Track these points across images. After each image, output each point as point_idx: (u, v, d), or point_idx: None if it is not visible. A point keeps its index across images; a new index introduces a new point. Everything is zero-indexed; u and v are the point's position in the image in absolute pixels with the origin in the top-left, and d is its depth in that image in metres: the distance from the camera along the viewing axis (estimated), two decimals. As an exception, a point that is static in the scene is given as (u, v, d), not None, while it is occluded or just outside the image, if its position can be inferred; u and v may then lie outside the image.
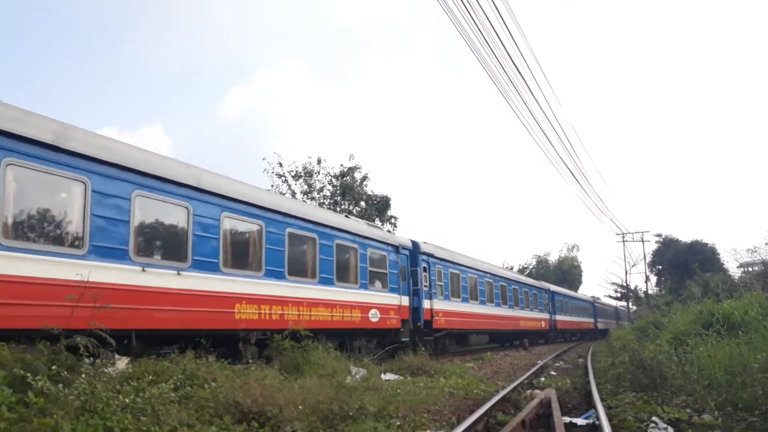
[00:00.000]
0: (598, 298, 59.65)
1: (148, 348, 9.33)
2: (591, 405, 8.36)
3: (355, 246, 15.07)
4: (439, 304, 19.50)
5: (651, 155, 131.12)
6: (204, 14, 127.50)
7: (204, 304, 10.06)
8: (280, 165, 31.75)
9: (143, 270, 9.00)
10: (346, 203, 31.81)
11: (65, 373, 5.65)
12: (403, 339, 17.09)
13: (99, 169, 8.59)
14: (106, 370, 6.18)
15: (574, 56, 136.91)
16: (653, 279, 53.90)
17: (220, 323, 10.38)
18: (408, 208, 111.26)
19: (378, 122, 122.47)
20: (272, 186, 30.94)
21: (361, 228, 15.85)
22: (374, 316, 15.47)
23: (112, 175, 8.81)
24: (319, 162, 32.43)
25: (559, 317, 36.44)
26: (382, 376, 10.99)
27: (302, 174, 32.08)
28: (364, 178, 32.72)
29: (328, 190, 32.44)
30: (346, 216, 15.92)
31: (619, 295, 64.36)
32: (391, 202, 32.68)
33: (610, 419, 6.76)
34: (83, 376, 5.35)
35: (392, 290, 16.67)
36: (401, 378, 11.28)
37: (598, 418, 6.87)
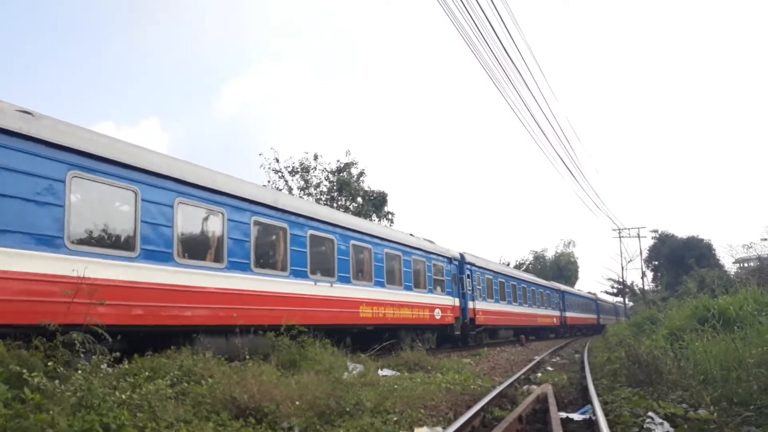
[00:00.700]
0: (594, 294, 60.25)
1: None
2: (587, 400, 8.39)
3: (423, 260, 19.12)
4: (479, 305, 23.44)
5: (647, 151, 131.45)
6: (200, 8, 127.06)
7: (343, 306, 14.01)
8: (277, 160, 31.72)
9: (315, 284, 13.05)
10: (343, 199, 31.79)
11: (62, 369, 5.63)
12: (456, 333, 21.06)
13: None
14: (102, 367, 6.16)
15: (571, 51, 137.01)
16: (649, 275, 54.19)
17: (350, 320, 14.32)
18: (405, 203, 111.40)
19: (374, 118, 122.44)
20: (269, 182, 30.91)
21: (427, 245, 19.98)
22: (437, 314, 19.40)
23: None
24: (315, 158, 32.40)
25: (568, 314, 40.44)
26: (379, 371, 11.00)
27: (299, 169, 32.04)
28: (361, 173, 32.71)
29: (325, 185, 32.41)
30: (412, 235, 19.77)
31: (615, 290, 64.60)
32: (388, 197, 32.68)
33: (606, 414, 6.79)
34: (79, 372, 5.34)
35: (448, 293, 20.65)
36: (398, 374, 11.31)
37: (594, 413, 6.89)
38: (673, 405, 7.39)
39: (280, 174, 31.66)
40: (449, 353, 18.83)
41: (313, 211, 13.72)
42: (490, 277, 25.61)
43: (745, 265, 29.94)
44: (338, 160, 32.84)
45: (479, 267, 24.29)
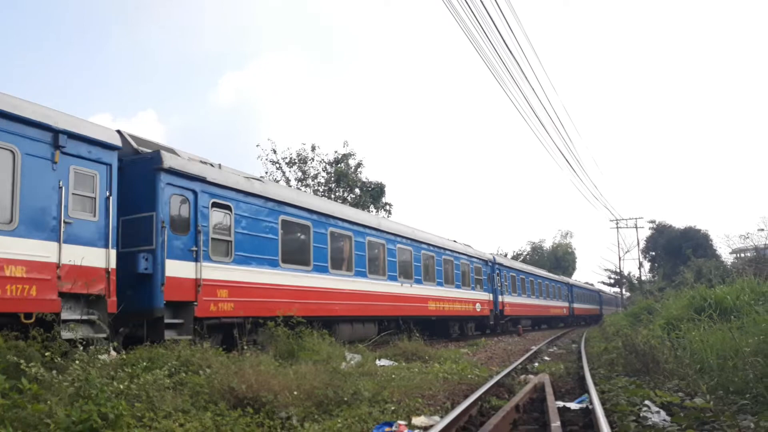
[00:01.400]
0: (591, 284, 60.57)
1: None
2: (584, 389, 8.41)
3: (468, 263, 23.92)
4: (507, 299, 27.85)
5: (645, 142, 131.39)
6: (198, 1, 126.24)
7: (418, 302, 18.69)
8: (274, 152, 31.61)
9: (401, 285, 17.70)
10: (341, 190, 31.73)
11: (59, 359, 5.64)
12: (491, 323, 26.07)
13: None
14: (100, 357, 6.17)
15: (570, 43, 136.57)
16: (647, 265, 54.23)
17: (422, 312, 19.12)
18: (402, 194, 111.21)
19: (372, 109, 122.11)
20: (266, 173, 30.84)
21: (470, 251, 24.81)
22: (478, 307, 24.08)
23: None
24: (313, 149, 32.29)
25: (575, 305, 45.27)
26: (377, 361, 11.03)
27: (296, 161, 31.95)
28: (359, 164, 32.62)
29: (323, 177, 32.34)
30: (454, 241, 23.92)
31: (612, 281, 64.74)
32: (385, 188, 32.62)
33: (603, 403, 6.81)
34: (77, 362, 5.35)
35: (485, 290, 25.42)
36: (396, 364, 11.33)
37: (591, 402, 6.91)
38: (670, 394, 7.41)
39: (277, 165, 31.60)
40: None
41: (400, 230, 18.59)
42: (514, 274, 30.05)
43: (742, 255, 29.98)
44: (336, 151, 32.75)
45: (506, 266, 29.08)
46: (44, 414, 4.37)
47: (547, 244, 76.14)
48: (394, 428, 5.73)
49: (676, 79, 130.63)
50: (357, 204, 29.90)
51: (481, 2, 11.92)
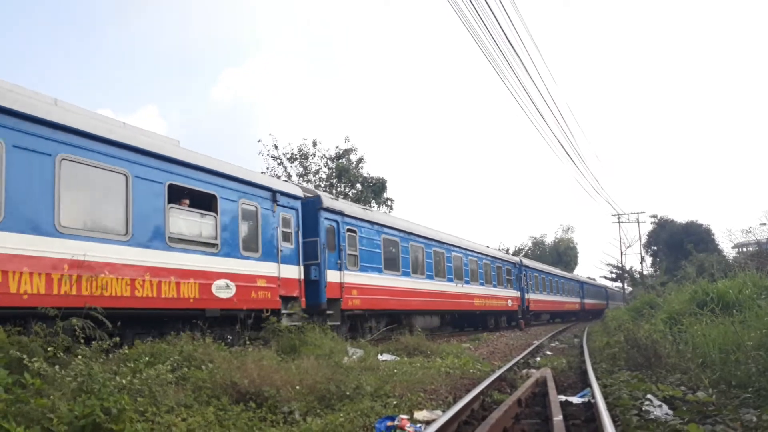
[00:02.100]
0: (594, 279, 60.74)
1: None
2: (586, 384, 8.42)
3: (501, 265, 28.24)
4: (531, 296, 32.03)
5: (647, 136, 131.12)
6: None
7: (467, 299, 22.71)
8: (275, 147, 31.62)
9: (456, 285, 22.00)
10: (342, 185, 31.73)
11: (62, 354, 5.64)
12: (519, 317, 29.58)
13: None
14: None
15: (571, 37, 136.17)
16: (648, 260, 54.16)
17: (470, 307, 23.30)
18: (404, 189, 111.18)
19: (374, 104, 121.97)
20: (267, 168, 30.85)
21: (503, 255, 31.21)
22: (510, 303, 28.25)
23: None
24: (314, 144, 32.29)
25: (586, 300, 49.36)
26: (379, 356, 11.04)
27: (297, 156, 31.95)
28: (360, 160, 32.60)
29: (324, 172, 32.35)
30: (487, 247, 29.12)
31: (614, 276, 64.73)
32: (387, 184, 32.62)
33: (605, 397, 6.81)
34: (80, 357, 5.35)
35: (515, 288, 29.63)
36: (398, 358, 11.34)
37: (593, 396, 6.92)
38: (672, 388, 7.41)
39: (278, 161, 31.60)
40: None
41: (453, 240, 22.62)
42: (536, 275, 34.50)
43: (744, 249, 29.95)
44: (337, 147, 32.74)
45: (530, 268, 33.41)
46: (47, 409, 4.37)
47: (549, 239, 76.19)
48: (396, 422, 5.73)
49: (678, 73, 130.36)
50: (358, 199, 29.90)
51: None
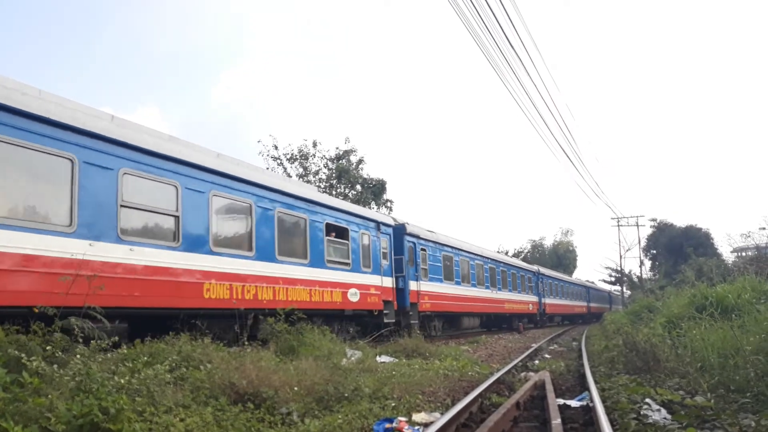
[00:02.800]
0: (593, 283, 60.86)
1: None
2: (585, 387, 8.41)
3: (524, 274, 33.08)
4: (547, 300, 37.00)
5: (647, 139, 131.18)
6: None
7: (498, 302, 26.80)
8: (276, 147, 31.62)
9: (491, 291, 26.76)
10: (342, 186, 31.72)
11: (60, 353, 5.63)
12: (537, 318, 35.08)
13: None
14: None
15: (572, 41, 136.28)
16: (647, 263, 54.20)
17: (501, 311, 27.64)
18: (404, 191, 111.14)
19: (374, 105, 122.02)
20: (267, 168, 30.84)
21: (524, 265, 35.85)
22: (531, 307, 33.36)
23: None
24: (314, 145, 32.29)
25: (592, 304, 53.38)
26: (378, 358, 11.04)
27: (297, 157, 31.94)
28: (360, 161, 32.61)
29: (324, 173, 32.34)
30: (512, 257, 36.65)
31: (613, 279, 64.73)
32: (386, 185, 32.62)
33: (603, 401, 6.80)
34: (78, 356, 5.34)
35: (534, 294, 34.64)
36: (396, 360, 11.34)
37: (591, 399, 6.91)
38: (671, 392, 7.40)
39: (278, 161, 31.59)
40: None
41: (490, 253, 28.48)
42: (551, 281, 39.46)
43: (743, 254, 29.94)
44: (337, 148, 32.75)
45: (547, 275, 38.55)
46: (45, 408, 4.36)
47: (548, 242, 76.17)
48: (394, 424, 5.73)
49: (678, 77, 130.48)
50: (358, 200, 29.92)
51: (484, -1, 11.91)
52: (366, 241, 15.76)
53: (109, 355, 6.33)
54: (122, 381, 5.14)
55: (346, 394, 6.70)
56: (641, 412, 6.29)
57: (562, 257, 72.12)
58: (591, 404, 6.77)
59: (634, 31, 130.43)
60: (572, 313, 46.02)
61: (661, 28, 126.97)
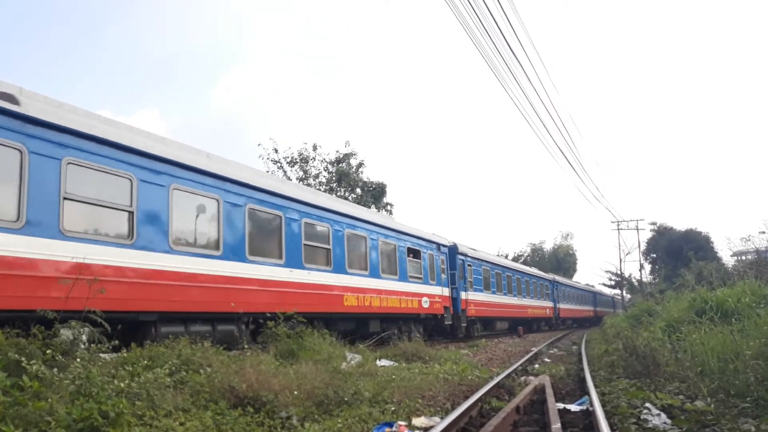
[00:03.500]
0: (592, 286, 60.96)
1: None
2: (585, 391, 8.41)
3: (543, 282, 37.45)
4: (561, 305, 41.24)
5: (647, 143, 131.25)
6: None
7: (524, 308, 31.88)
8: (276, 151, 31.65)
9: (518, 298, 31.27)
10: (342, 190, 31.74)
11: (60, 357, 5.63)
12: (553, 322, 38.93)
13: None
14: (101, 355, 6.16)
15: (572, 44, 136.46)
16: (647, 267, 54.15)
17: (525, 315, 32.03)
18: (404, 193, 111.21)
19: (374, 108, 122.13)
20: (267, 172, 30.87)
21: (542, 274, 39.43)
22: (547, 312, 37.24)
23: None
24: (314, 148, 32.32)
25: (597, 308, 57.16)
26: (377, 362, 11.02)
27: (298, 160, 31.97)
28: (360, 164, 32.64)
29: (324, 176, 32.36)
30: (531, 267, 40.95)
31: (613, 283, 64.68)
32: (386, 189, 32.64)
33: (603, 405, 6.80)
34: (78, 360, 5.34)
35: (551, 300, 38.37)
36: (396, 364, 11.32)
37: (591, 404, 6.91)
38: (671, 396, 7.40)
39: (278, 164, 31.62)
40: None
41: (516, 266, 34.02)
42: (564, 288, 44.03)
43: (743, 257, 29.96)
44: (337, 151, 32.78)
45: (561, 283, 43.15)
46: (45, 411, 4.36)
47: (548, 246, 76.13)
48: (394, 429, 5.73)
49: (678, 81, 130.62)
50: (358, 204, 29.96)
51: (483, 1, 11.96)
52: (431, 259, 19.98)
53: (108, 358, 6.33)
54: (122, 385, 5.14)
55: (346, 398, 6.69)
56: (641, 417, 6.29)
57: (562, 261, 72.08)
58: (591, 408, 6.76)
59: (634, 35, 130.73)
60: (582, 316, 50.15)
61: (661, 33, 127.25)
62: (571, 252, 76.03)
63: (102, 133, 8.62)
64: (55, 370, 5.20)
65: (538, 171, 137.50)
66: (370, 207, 30.89)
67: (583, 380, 9.66)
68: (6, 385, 4.53)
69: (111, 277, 8.19)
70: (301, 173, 31.92)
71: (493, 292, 26.75)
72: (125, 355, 6.73)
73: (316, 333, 10.57)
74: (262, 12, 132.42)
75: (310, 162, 32.18)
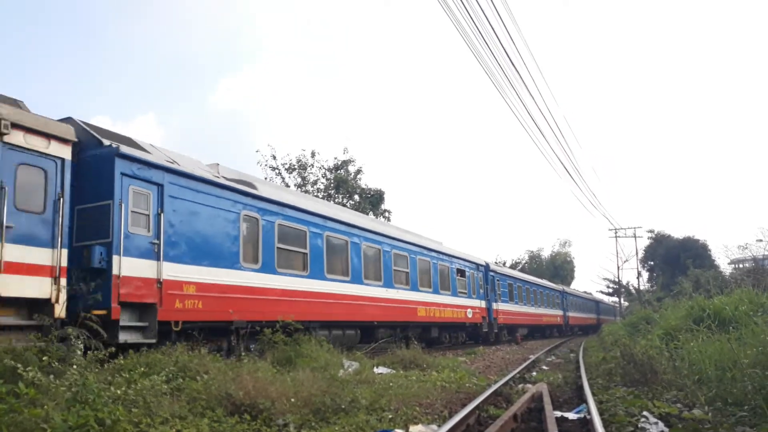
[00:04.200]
0: (590, 293, 61.24)
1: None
2: (582, 399, 8.39)
3: (554, 294, 40.83)
4: (570, 314, 44.60)
5: (645, 151, 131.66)
6: (196, 3, 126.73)
7: (538, 316, 35.59)
8: (274, 157, 31.68)
9: (535, 308, 35.16)
10: (340, 196, 31.76)
11: (56, 364, 5.61)
12: (564, 329, 42.24)
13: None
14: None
15: (570, 52, 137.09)
16: (645, 275, 54.26)
17: (540, 323, 36.34)
18: (401, 200, 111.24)
19: (372, 114, 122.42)
20: (266, 178, 30.89)
21: (553, 285, 43.36)
22: (558, 319, 40.86)
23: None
24: (312, 155, 32.36)
25: (601, 316, 59.12)
26: (375, 369, 11.00)
27: (296, 167, 32.00)
28: (358, 171, 32.69)
29: (322, 183, 32.39)
30: (544, 280, 43.62)
31: (611, 290, 64.69)
32: (384, 195, 32.67)
33: (601, 413, 6.79)
34: (74, 367, 5.32)
35: (561, 309, 41.72)
36: (394, 371, 11.30)
37: (589, 412, 6.89)
38: (668, 405, 7.39)
39: (277, 171, 31.64)
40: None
41: (534, 279, 37.68)
42: (572, 298, 47.03)
43: (741, 265, 30.03)
44: (336, 158, 32.83)
45: (569, 293, 46.60)
46: (41, 419, 4.35)
47: (546, 253, 76.16)
48: (391, 436, 5.71)
49: (676, 89, 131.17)
50: (356, 210, 30.00)
51: (481, 9, 12.05)
52: (473, 277, 24.36)
53: (105, 365, 6.31)
54: (119, 392, 5.13)
55: (343, 406, 6.67)
56: (639, 425, 6.28)
57: (560, 268, 72.08)
58: (588, 417, 6.75)
59: (632, 44, 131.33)
60: (587, 324, 53.03)
61: (658, 43, 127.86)
62: (569, 259, 76.06)
63: (293, 202, 13.40)
64: (52, 376, 5.18)
65: (536, 178, 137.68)
66: (368, 213, 30.91)
67: (580, 388, 9.64)
68: (2, 391, 4.52)
69: (298, 298, 12.68)
70: (299, 180, 31.95)
71: (516, 303, 30.62)
72: (122, 362, 6.71)
73: (314, 340, 10.58)
74: (261, 11, 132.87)
75: (309, 169, 32.22)
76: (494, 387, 9.32)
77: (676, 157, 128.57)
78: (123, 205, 8.81)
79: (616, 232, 52.48)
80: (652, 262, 53.10)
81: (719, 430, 5.80)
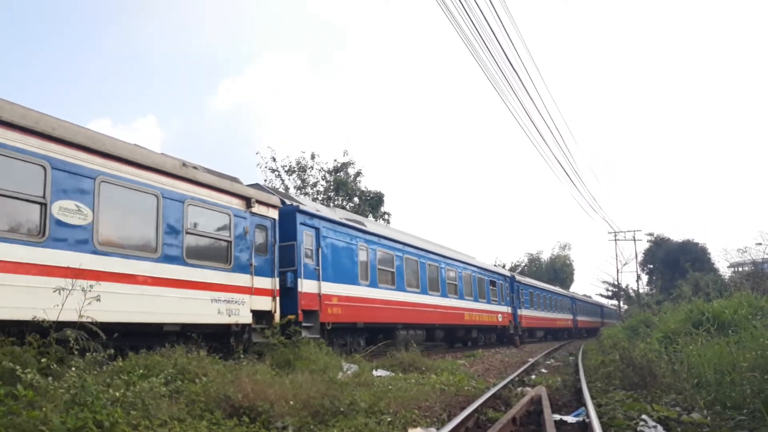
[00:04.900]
0: (589, 295, 61.34)
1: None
2: (581, 403, 8.39)
3: (564, 299, 44.88)
4: (579, 317, 49.24)
5: (644, 154, 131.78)
6: (196, 5, 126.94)
7: (554, 321, 40.33)
8: (274, 159, 31.71)
9: (551, 313, 40.35)
10: (340, 199, 31.77)
11: (55, 366, 5.61)
12: (573, 331, 46.14)
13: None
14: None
15: (570, 55, 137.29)
16: (644, 278, 54.24)
17: (554, 326, 40.58)
18: (401, 203, 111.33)
19: (372, 118, 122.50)
20: (265, 180, 30.91)
21: (565, 292, 49.73)
22: (569, 323, 44.91)
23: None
24: (312, 157, 32.41)
25: (603, 320, 61.18)
26: (374, 372, 10.99)
27: (295, 169, 32.03)
28: (358, 173, 32.73)
29: (322, 185, 32.41)
30: (558, 288, 47.26)
31: (610, 293, 64.74)
32: (384, 198, 32.70)
33: (600, 417, 6.79)
34: (73, 369, 5.32)
35: (570, 313, 45.76)
36: (392, 374, 11.29)
37: (588, 415, 6.89)
38: (667, 408, 7.39)
39: (276, 173, 31.66)
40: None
41: (549, 286, 43.10)
42: (581, 304, 51.63)
43: (740, 269, 30.03)
44: (335, 160, 32.87)
45: (577, 299, 50.80)
46: (39, 421, 4.33)
47: (545, 256, 76.24)
48: (390, 439, 5.71)
49: (676, 92, 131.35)
50: (356, 212, 30.01)
51: (481, 12, 12.11)
52: (502, 286, 28.63)
53: (104, 367, 6.30)
54: (117, 394, 5.12)
55: (342, 409, 6.66)
56: (637, 429, 6.29)
57: (559, 271, 72.12)
58: (587, 420, 6.75)
59: (631, 46, 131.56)
60: (592, 326, 56.24)
61: (658, 45, 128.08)
62: (568, 262, 76.10)
63: (385, 233, 18.47)
64: (50, 378, 5.17)
65: (535, 181, 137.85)
66: (367, 216, 30.94)
67: (579, 391, 9.64)
68: (0, 393, 4.51)
69: (390, 306, 17.15)
70: (298, 182, 31.98)
71: (535, 309, 34.92)
72: (120, 364, 6.71)
73: (312, 343, 10.59)
74: (261, 14, 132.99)
75: (308, 171, 32.25)
76: (493, 390, 9.31)
77: (676, 160, 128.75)
78: (301, 244, 13.18)
79: (615, 235, 52.45)
80: (651, 266, 53.12)
81: (718, 434, 5.80)
